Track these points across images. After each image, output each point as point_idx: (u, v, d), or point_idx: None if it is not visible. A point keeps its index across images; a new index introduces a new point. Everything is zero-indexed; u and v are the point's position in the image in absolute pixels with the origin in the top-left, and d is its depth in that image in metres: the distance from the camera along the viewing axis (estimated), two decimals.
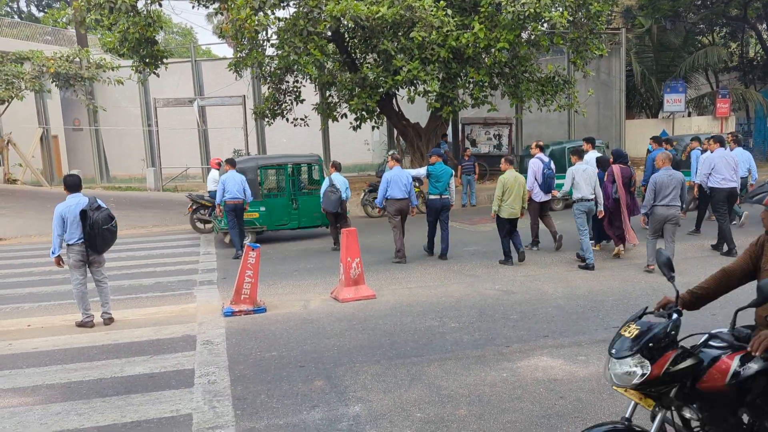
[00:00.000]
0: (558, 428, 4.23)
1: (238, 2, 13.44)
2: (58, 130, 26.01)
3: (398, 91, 16.48)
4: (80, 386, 5.33)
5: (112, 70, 20.07)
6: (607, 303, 7.18)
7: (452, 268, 9.46)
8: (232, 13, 13.76)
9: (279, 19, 14.26)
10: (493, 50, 13.95)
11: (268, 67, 16.42)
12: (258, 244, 7.46)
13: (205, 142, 22.58)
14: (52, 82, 20.44)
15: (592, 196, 9.14)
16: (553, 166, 10.61)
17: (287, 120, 18.35)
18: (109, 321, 7.20)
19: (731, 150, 10.80)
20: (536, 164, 10.41)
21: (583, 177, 9.13)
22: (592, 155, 10.36)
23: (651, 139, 12.56)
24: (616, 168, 9.54)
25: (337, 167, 11.45)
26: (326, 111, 17.59)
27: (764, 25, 25.71)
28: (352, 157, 24.97)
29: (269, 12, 13.69)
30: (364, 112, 16.01)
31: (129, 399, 5.01)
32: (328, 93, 17.69)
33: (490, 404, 4.64)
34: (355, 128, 17.61)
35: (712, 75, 27.71)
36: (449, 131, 21.16)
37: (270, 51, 15.82)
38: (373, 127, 18.06)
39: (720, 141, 10.31)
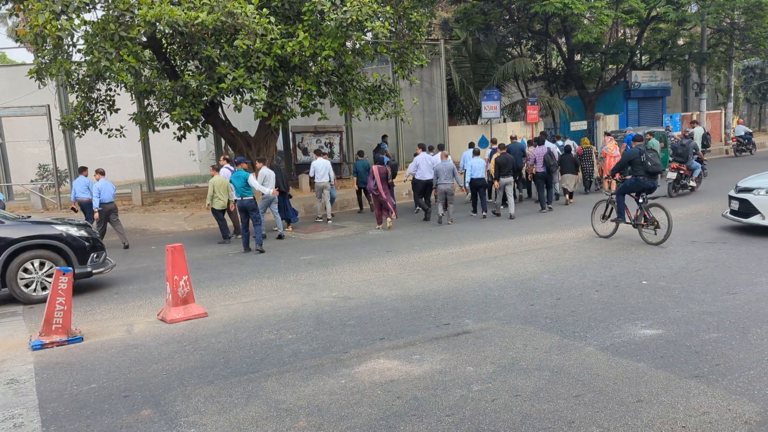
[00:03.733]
0: (396, 428, 4.27)
1: (35, 6, 12.09)
2: None
3: (224, 99, 15.91)
4: None
5: None
6: (438, 302, 7.46)
7: (288, 278, 9.31)
8: (30, 18, 12.33)
9: (86, 23, 13.09)
10: (319, 58, 13.97)
11: (76, 74, 14.97)
12: (69, 268, 6.74)
13: (2, 157, 20.11)
14: None
15: (270, 190, 12.52)
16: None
17: (101, 131, 16.93)
18: None
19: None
20: (224, 172, 13.27)
21: (267, 178, 12.70)
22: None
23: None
24: (374, 168, 13.28)
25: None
26: (145, 121, 16.43)
27: (563, 39, 28.57)
28: (177, 169, 23.68)
29: (73, 16, 12.48)
30: (187, 122, 15.21)
31: None
32: (146, 102, 16.59)
33: (329, 413, 4.57)
34: (179, 138, 16.72)
35: (522, 84, 30.31)
36: (280, 140, 20.89)
37: (77, 57, 14.49)
38: (199, 137, 17.18)
39: (422, 147, 15.10)
